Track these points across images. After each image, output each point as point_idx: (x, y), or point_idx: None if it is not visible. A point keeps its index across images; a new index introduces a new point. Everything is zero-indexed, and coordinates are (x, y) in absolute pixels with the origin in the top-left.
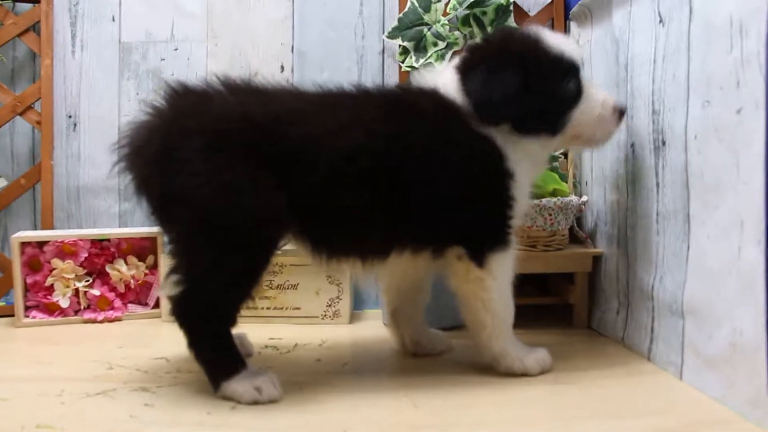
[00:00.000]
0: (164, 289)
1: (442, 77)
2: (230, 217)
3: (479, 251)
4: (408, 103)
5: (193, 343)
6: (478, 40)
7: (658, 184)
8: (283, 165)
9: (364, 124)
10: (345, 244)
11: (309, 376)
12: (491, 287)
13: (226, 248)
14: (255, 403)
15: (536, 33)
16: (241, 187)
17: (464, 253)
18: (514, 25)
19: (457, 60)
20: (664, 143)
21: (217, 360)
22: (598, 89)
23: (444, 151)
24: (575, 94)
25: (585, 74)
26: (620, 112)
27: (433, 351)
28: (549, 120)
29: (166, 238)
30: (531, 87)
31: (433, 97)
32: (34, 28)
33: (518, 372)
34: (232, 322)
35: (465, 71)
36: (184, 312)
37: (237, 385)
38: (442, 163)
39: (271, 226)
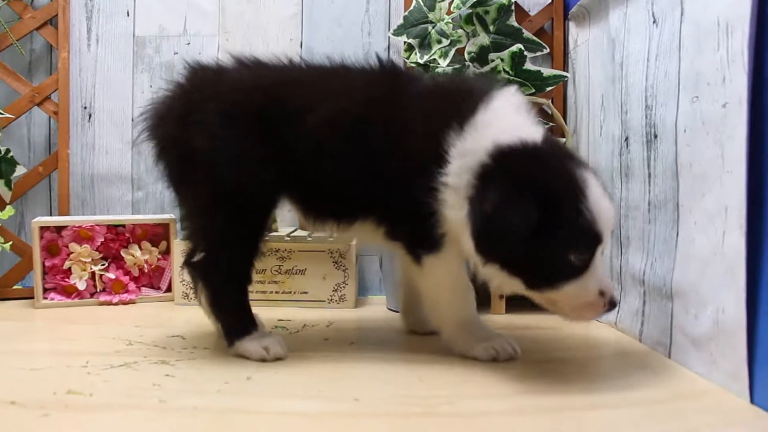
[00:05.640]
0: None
1: None
2: (236, 182)
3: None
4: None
5: (215, 303)
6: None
7: (649, 175)
8: (283, 132)
9: (350, 93)
10: (323, 207)
11: (318, 353)
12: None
13: (233, 210)
14: (263, 360)
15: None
16: (247, 157)
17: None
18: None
19: None
20: (655, 136)
21: (234, 319)
22: (601, 270)
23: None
24: (580, 269)
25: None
26: (611, 304)
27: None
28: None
29: (181, 212)
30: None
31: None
32: (52, 21)
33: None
34: (248, 280)
35: None
36: (207, 274)
37: (248, 344)
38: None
39: (266, 193)
